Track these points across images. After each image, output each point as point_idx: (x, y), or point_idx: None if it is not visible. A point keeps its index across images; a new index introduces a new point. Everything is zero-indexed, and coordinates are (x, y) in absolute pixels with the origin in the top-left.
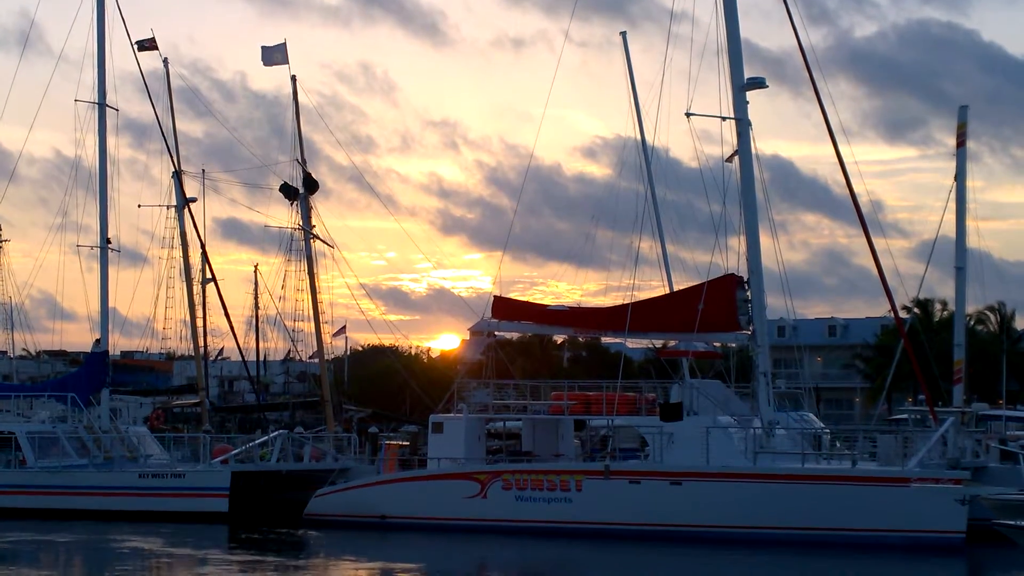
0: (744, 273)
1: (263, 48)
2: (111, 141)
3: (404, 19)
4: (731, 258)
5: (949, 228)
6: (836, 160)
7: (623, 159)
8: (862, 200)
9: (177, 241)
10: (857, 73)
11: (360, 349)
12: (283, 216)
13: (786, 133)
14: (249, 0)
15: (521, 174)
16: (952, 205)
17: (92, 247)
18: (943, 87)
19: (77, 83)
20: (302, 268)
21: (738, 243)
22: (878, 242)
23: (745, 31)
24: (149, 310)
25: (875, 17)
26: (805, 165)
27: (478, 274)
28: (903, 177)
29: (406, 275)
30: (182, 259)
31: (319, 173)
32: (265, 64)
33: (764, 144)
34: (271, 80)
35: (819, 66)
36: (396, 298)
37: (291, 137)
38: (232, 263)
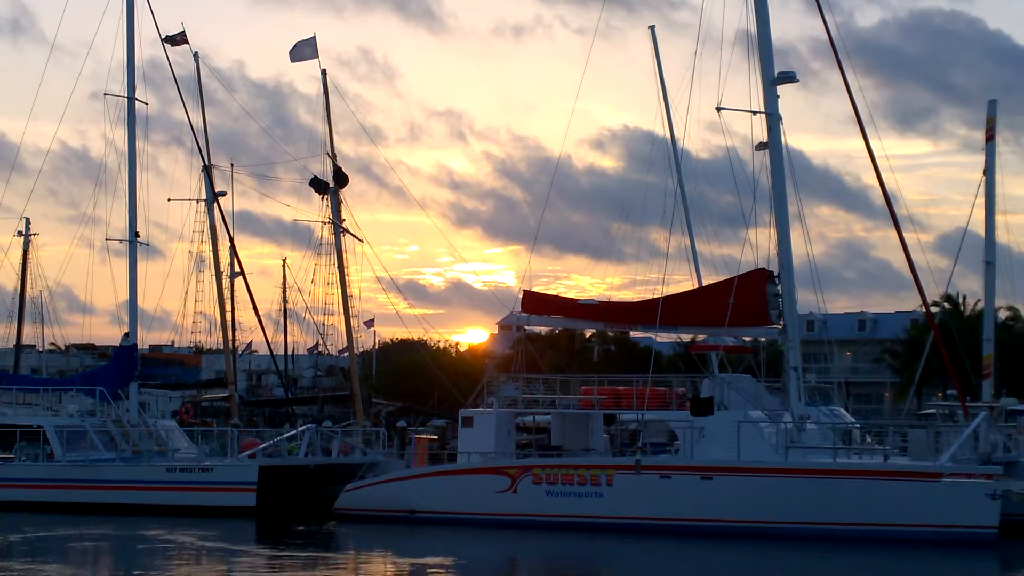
0: (769, 266)
1: (294, 45)
2: (138, 134)
3: (399, 6)
4: (753, 251)
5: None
6: (850, 153)
7: (637, 151)
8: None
9: (202, 235)
10: (863, 63)
11: (389, 343)
12: (301, 208)
13: (794, 125)
14: None
15: (530, 165)
16: (980, 201)
17: (121, 240)
18: (951, 77)
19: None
20: (330, 262)
21: (767, 236)
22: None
23: (749, 22)
24: (169, 304)
25: (877, 3)
26: (816, 157)
27: (501, 268)
28: (919, 172)
29: (429, 269)
30: (212, 253)
31: (325, 164)
32: (293, 60)
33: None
34: (269, 69)
35: (848, 57)
36: (415, 291)
37: (322, 131)
38: (248, 257)
